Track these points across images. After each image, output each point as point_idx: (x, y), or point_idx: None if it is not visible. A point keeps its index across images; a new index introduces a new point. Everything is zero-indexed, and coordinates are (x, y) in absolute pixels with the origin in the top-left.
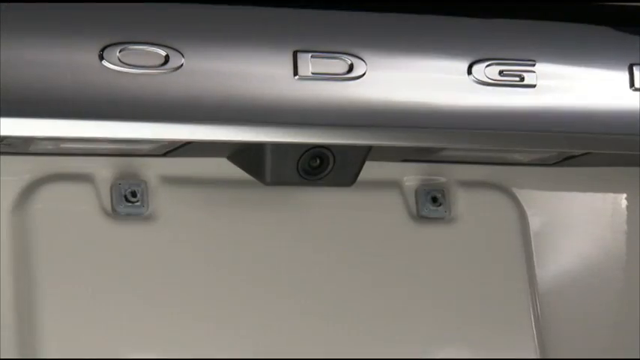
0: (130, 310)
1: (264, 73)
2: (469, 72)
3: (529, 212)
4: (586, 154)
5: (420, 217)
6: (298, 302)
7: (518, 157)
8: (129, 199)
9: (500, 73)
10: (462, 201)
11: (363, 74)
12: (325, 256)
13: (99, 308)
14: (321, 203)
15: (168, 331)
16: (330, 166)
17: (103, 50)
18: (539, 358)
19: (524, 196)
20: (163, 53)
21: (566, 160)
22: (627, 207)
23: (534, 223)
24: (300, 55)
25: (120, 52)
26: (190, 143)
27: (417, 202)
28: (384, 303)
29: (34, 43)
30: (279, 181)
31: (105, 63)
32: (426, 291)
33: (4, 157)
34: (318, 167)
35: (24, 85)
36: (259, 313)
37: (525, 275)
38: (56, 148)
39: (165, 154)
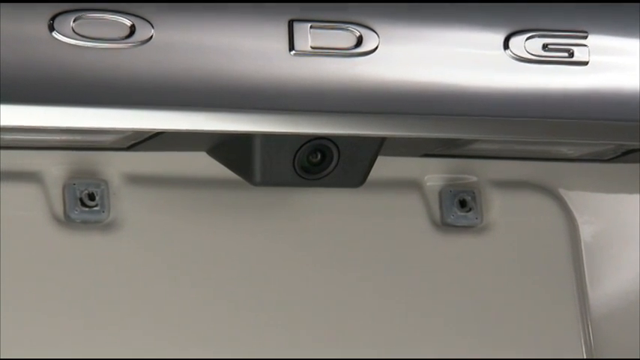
0: (88, 337)
1: (253, 47)
2: (506, 46)
3: (579, 219)
4: None
5: (444, 225)
6: (296, 327)
7: (565, 150)
8: (85, 203)
9: (545, 47)
10: (497, 205)
11: (375, 49)
12: (328, 272)
13: (48, 335)
14: (323, 208)
15: None
16: (333, 163)
17: (53, 19)
18: None
19: (574, 198)
20: (128, 23)
21: (624, 155)
22: None
23: (586, 232)
24: (296, 26)
25: (74, 21)
26: (161, 134)
27: (441, 207)
28: (401, 329)
29: None
30: (272, 181)
31: (56, 35)
32: (453, 315)
33: None
34: (320, 164)
35: None
36: (250, 338)
37: (575, 296)
38: None
39: (130, 148)
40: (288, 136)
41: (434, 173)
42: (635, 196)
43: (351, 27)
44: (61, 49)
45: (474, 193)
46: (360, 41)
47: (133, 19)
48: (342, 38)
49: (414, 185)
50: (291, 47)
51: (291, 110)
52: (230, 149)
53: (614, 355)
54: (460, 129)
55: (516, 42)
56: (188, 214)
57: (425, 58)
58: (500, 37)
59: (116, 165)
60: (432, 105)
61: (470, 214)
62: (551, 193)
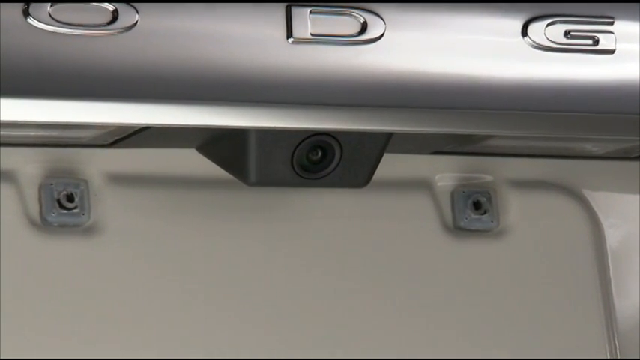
0: (66, 349)
1: (248, 35)
2: (524, 33)
3: (604, 222)
4: None
5: (457, 229)
6: (294, 339)
7: (589, 147)
8: (64, 205)
9: (567, 34)
10: (515, 207)
11: (380, 36)
12: (329, 279)
13: (24, 346)
14: (324, 210)
15: None
16: (335, 161)
17: (28, 4)
18: None
19: (598, 199)
20: (110, 8)
21: None
22: None
23: (611, 235)
24: (294, 11)
25: (51, 5)
26: (147, 129)
27: (453, 209)
28: (409, 339)
29: None
30: (268, 181)
31: (31, 21)
32: (467, 325)
33: None
34: (320, 162)
35: None
36: (241, 351)
37: (600, 307)
38: None
39: (112, 144)
40: (285, 132)
41: (445, 172)
42: None
43: (355, 12)
44: (37, 37)
45: (489, 194)
46: (364, 28)
47: (116, 3)
48: (345, 24)
49: (423, 185)
50: (289, 34)
51: (289, 103)
52: (222, 146)
53: None
54: (474, 124)
55: (536, 28)
56: (176, 217)
57: (435, 46)
58: (518, 24)
59: (97, 163)
60: (443, 98)
61: (485, 216)
62: (573, 193)
